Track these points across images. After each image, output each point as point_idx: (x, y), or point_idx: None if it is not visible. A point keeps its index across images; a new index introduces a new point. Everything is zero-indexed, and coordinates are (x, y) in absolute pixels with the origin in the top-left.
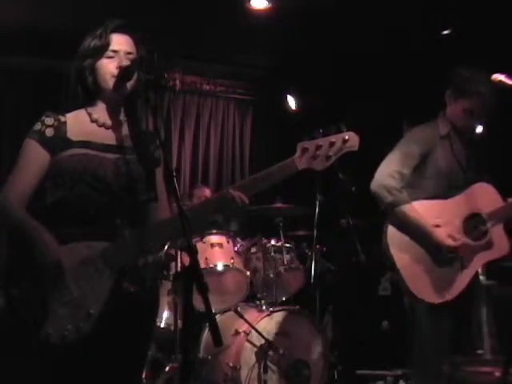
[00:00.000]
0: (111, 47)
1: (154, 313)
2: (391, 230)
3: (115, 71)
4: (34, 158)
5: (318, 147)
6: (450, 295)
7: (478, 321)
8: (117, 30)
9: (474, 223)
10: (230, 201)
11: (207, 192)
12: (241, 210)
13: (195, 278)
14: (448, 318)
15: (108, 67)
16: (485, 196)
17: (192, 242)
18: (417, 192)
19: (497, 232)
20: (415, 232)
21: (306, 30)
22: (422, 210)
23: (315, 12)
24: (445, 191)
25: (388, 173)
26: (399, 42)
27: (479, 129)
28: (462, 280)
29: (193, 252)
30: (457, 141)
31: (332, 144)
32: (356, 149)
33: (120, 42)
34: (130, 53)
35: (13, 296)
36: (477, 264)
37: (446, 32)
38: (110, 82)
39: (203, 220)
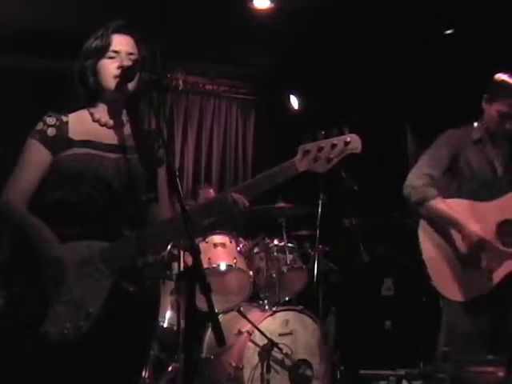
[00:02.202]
0: (112, 47)
1: (154, 313)
2: (423, 225)
3: (116, 71)
4: (36, 157)
5: (320, 149)
6: (473, 295)
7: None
8: (118, 30)
9: (507, 230)
10: (230, 204)
11: (212, 192)
12: (241, 213)
13: (198, 278)
14: (484, 317)
15: (109, 67)
16: None
17: (195, 241)
18: (449, 194)
19: None
20: (445, 225)
21: (309, 29)
22: (457, 206)
23: (318, 12)
24: (478, 194)
25: (417, 175)
26: (402, 43)
27: None
28: (489, 283)
29: (196, 252)
30: (490, 147)
31: (334, 146)
32: (358, 151)
33: (121, 43)
34: (131, 53)
35: (13, 294)
36: (504, 270)
37: (448, 32)
38: (112, 83)
39: (202, 223)
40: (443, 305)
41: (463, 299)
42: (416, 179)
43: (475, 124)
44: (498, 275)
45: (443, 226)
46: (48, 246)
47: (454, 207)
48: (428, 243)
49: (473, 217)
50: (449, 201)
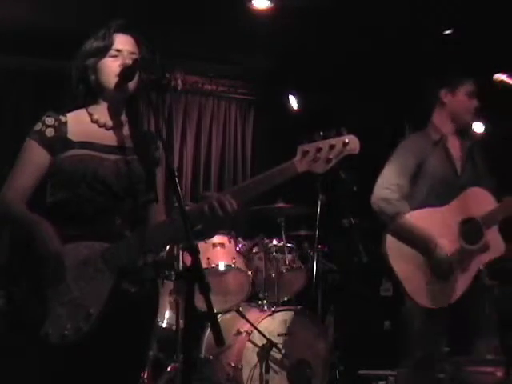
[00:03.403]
0: (114, 46)
1: (154, 313)
2: (390, 241)
3: (118, 70)
4: (34, 158)
5: (319, 150)
6: (448, 301)
7: (475, 321)
8: (120, 29)
9: (469, 228)
10: (217, 208)
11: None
12: (229, 216)
13: (197, 278)
14: (443, 319)
15: (111, 66)
16: (478, 200)
17: (194, 242)
18: (413, 201)
19: (492, 234)
20: (416, 242)
21: (308, 30)
22: (420, 219)
23: (317, 12)
24: (440, 198)
25: (385, 186)
26: (401, 43)
27: (480, 129)
28: (461, 284)
29: (195, 252)
30: (451, 145)
31: (332, 147)
32: (356, 152)
33: (123, 42)
34: (132, 52)
35: (13, 295)
36: (475, 267)
37: (447, 32)
38: (113, 81)
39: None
40: (406, 308)
41: (439, 306)
42: (385, 190)
43: (429, 127)
44: (472, 271)
45: (414, 240)
46: (49, 241)
47: (422, 220)
48: (399, 262)
49: (438, 224)
50: (416, 214)
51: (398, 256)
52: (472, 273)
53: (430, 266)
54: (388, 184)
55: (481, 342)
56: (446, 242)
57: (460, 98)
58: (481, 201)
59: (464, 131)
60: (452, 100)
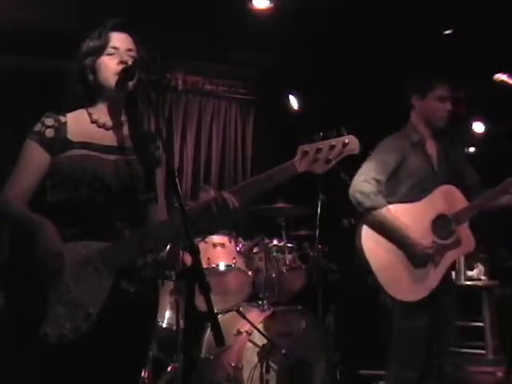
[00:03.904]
0: (111, 44)
1: (154, 313)
2: (367, 233)
3: (117, 67)
4: (34, 158)
5: (318, 150)
6: (423, 293)
7: (453, 318)
8: (116, 28)
9: (441, 224)
10: (220, 204)
11: (213, 194)
12: (231, 214)
13: (197, 277)
14: (424, 315)
15: (109, 64)
16: (450, 197)
17: (194, 241)
18: (392, 198)
19: (463, 230)
20: (392, 234)
21: (308, 29)
22: (395, 213)
23: (317, 12)
24: (417, 195)
25: (364, 179)
26: (401, 43)
27: (479, 129)
28: (435, 278)
29: (195, 252)
30: (428, 145)
31: (332, 147)
32: (356, 152)
33: (120, 40)
34: (130, 50)
35: (12, 295)
36: (447, 262)
37: (447, 32)
38: (112, 79)
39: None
40: (385, 301)
41: (415, 299)
42: (365, 184)
43: (407, 128)
44: (444, 266)
45: (390, 232)
46: (49, 240)
47: (397, 214)
48: (374, 255)
49: (411, 219)
50: (392, 208)
51: (374, 249)
52: (443, 268)
53: (406, 258)
54: (367, 178)
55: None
56: (419, 236)
57: (430, 103)
58: (453, 198)
59: (440, 133)
60: (422, 104)
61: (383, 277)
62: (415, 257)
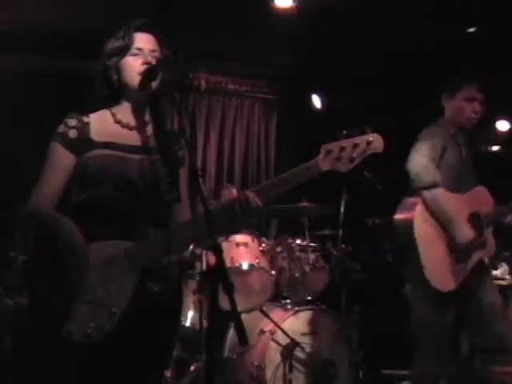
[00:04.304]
0: (135, 45)
1: (178, 312)
2: (421, 209)
3: (141, 68)
4: (60, 160)
5: (342, 149)
6: (451, 286)
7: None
8: (140, 28)
9: (475, 222)
10: (243, 204)
11: (235, 192)
12: (254, 213)
13: (221, 277)
14: (449, 311)
15: (133, 64)
16: (483, 199)
17: (218, 241)
18: None
19: (489, 233)
20: (445, 217)
21: (331, 28)
22: (450, 200)
23: (340, 11)
24: (453, 186)
25: (423, 154)
26: (427, 41)
27: (504, 128)
28: (462, 273)
29: (219, 251)
30: (461, 141)
31: (356, 146)
32: (380, 150)
33: (144, 40)
34: (153, 50)
35: (36, 294)
36: (473, 260)
37: (471, 30)
38: (136, 80)
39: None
40: (411, 293)
41: (445, 290)
42: (425, 159)
43: (444, 122)
44: (471, 264)
45: (443, 214)
46: (72, 236)
47: (451, 201)
48: (424, 227)
49: (457, 210)
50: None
51: (425, 227)
52: (470, 265)
53: (450, 245)
54: (426, 154)
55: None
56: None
57: (458, 103)
58: (485, 200)
59: (468, 126)
60: (451, 104)
61: (426, 256)
62: (459, 247)
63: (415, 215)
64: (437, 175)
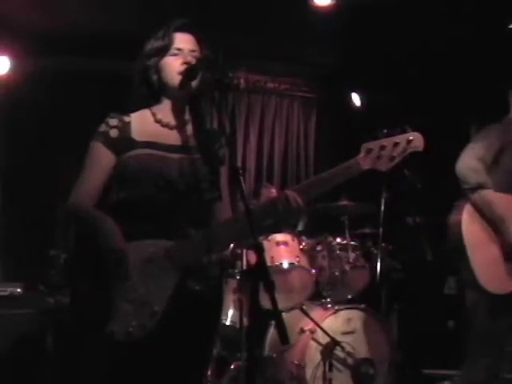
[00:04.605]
0: (175, 45)
1: (218, 311)
2: (468, 212)
3: (181, 68)
4: (100, 159)
5: (382, 148)
6: (509, 288)
7: None
8: (179, 29)
9: None
10: (284, 203)
11: (275, 191)
12: (295, 213)
13: (263, 276)
14: (507, 316)
15: (173, 64)
16: None
17: (259, 240)
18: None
19: None
20: (494, 219)
21: (370, 26)
22: (503, 201)
23: (379, 8)
24: (507, 188)
25: (473, 156)
26: (468, 39)
27: None
28: None
29: (260, 250)
30: None
31: (396, 144)
32: (421, 149)
33: (184, 40)
34: (193, 51)
35: (77, 293)
36: None
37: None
38: (176, 79)
39: (264, 221)
40: (468, 298)
41: (500, 292)
42: (473, 160)
43: (506, 123)
44: None
45: (491, 215)
46: (112, 238)
47: (502, 202)
48: (473, 228)
49: (507, 212)
50: (498, 194)
51: (474, 230)
52: None
53: (502, 247)
54: (476, 155)
55: None
56: None
57: None
58: None
59: None
60: None
61: (478, 261)
62: (508, 251)
63: (463, 218)
64: (483, 177)
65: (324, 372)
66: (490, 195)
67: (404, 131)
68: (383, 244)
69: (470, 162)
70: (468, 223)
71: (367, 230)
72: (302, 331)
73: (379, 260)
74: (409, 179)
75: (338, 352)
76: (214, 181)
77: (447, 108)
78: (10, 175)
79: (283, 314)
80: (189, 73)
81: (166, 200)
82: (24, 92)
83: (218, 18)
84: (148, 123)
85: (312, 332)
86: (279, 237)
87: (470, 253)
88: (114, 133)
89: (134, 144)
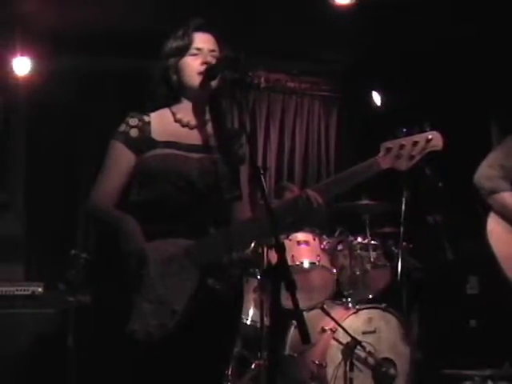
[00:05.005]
0: (195, 45)
1: (238, 310)
2: (493, 219)
3: (200, 68)
4: (120, 159)
5: (402, 147)
6: None
7: None
8: (199, 28)
9: None
10: (305, 202)
11: (296, 190)
12: (315, 212)
13: (284, 275)
14: None
15: (193, 64)
16: None
17: (280, 239)
18: None
19: None
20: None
21: (391, 25)
22: None
23: (400, 6)
24: None
25: (489, 164)
26: (490, 38)
27: None
28: None
29: (281, 249)
30: None
31: (415, 143)
32: (440, 148)
33: (203, 40)
34: (213, 50)
35: (99, 292)
36: None
37: None
38: (196, 79)
39: (285, 220)
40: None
41: None
42: (489, 170)
43: None
44: None
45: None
46: (132, 237)
47: None
48: (498, 241)
49: None
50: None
51: (501, 236)
52: None
53: None
54: (492, 163)
55: None
56: None
57: None
58: None
59: None
60: None
61: (506, 259)
62: None
63: (487, 221)
64: (496, 182)
65: (345, 372)
66: (505, 198)
67: (423, 130)
68: (404, 243)
69: (482, 170)
70: (495, 234)
71: (388, 230)
72: (323, 331)
73: (400, 259)
74: (430, 178)
75: (359, 351)
76: (234, 180)
77: (467, 106)
78: (32, 175)
79: (304, 313)
80: (209, 73)
81: (185, 200)
82: (45, 92)
83: (238, 16)
84: (168, 123)
85: (333, 331)
86: (300, 236)
87: (503, 263)
88: (134, 132)
89: (154, 144)
